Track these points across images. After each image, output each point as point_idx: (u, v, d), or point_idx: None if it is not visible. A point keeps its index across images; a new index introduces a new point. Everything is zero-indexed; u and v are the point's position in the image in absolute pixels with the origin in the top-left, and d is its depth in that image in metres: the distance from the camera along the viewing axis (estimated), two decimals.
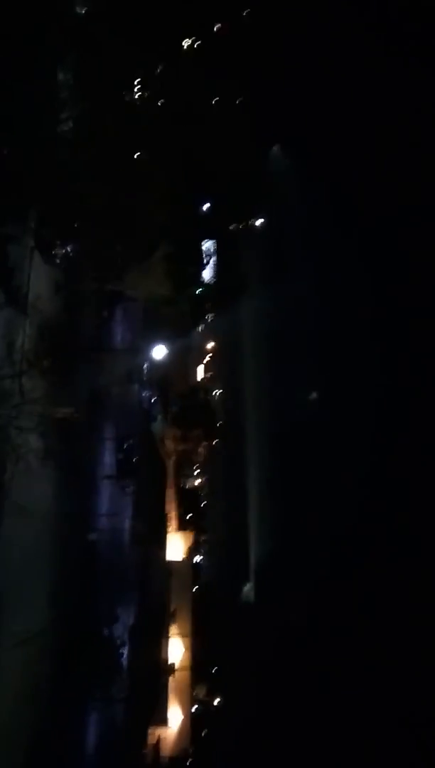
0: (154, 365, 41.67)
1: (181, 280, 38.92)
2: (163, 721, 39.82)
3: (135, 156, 28.62)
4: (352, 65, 54.14)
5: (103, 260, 29.86)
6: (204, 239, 46.69)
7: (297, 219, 61.22)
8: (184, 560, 46.62)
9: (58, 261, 27.84)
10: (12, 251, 24.68)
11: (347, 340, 62.74)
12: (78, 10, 26.60)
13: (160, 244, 34.77)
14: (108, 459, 35.25)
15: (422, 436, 59.72)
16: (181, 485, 52.67)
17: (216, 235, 47.61)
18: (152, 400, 44.88)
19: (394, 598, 56.29)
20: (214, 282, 49.01)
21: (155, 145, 28.90)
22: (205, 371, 60.22)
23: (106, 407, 34.26)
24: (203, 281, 48.27)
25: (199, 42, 36.05)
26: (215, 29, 39.02)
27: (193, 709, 44.31)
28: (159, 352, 36.95)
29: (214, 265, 48.54)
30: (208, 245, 47.60)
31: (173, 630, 43.07)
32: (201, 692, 48.82)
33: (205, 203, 44.52)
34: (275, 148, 59.57)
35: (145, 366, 41.34)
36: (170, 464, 49.41)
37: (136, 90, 29.63)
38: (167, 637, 41.78)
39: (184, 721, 42.39)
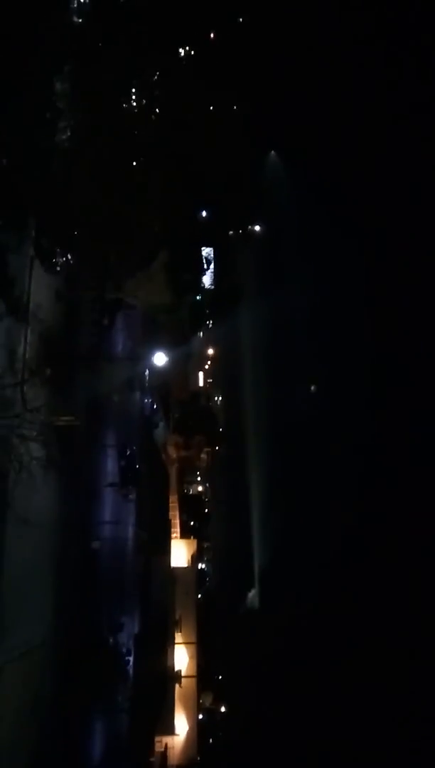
0: (155, 372, 41.65)
1: (180, 288, 39.03)
2: (170, 729, 39.57)
3: (133, 164, 28.70)
4: (348, 72, 54.54)
5: (103, 269, 29.96)
6: (202, 247, 46.87)
7: (294, 224, 61.53)
8: (188, 567, 46.46)
9: (58, 269, 27.85)
10: (12, 261, 24.65)
11: (345, 344, 63.07)
12: (75, 20, 26.75)
13: (158, 253, 34.88)
14: (110, 467, 35.12)
15: (420, 441, 60.12)
16: (184, 492, 52.63)
17: (214, 242, 47.80)
18: (153, 408, 44.89)
19: (396, 601, 56.14)
20: (213, 289, 49.21)
21: (152, 153, 29.00)
22: (206, 377, 60.28)
23: (108, 415, 34.27)
24: (203, 287, 48.45)
25: (195, 50, 36.27)
26: (211, 37, 39.29)
27: (199, 717, 44.09)
28: (159, 359, 36.91)
29: (212, 272, 48.76)
30: (207, 252, 47.80)
31: (178, 637, 42.92)
32: (207, 700, 48.57)
33: (203, 211, 44.73)
34: (272, 155, 59.92)
35: (146, 373, 41.35)
36: (173, 471, 49.34)
37: (133, 99, 29.74)
38: (173, 645, 41.59)
39: (190, 729, 42.15)
